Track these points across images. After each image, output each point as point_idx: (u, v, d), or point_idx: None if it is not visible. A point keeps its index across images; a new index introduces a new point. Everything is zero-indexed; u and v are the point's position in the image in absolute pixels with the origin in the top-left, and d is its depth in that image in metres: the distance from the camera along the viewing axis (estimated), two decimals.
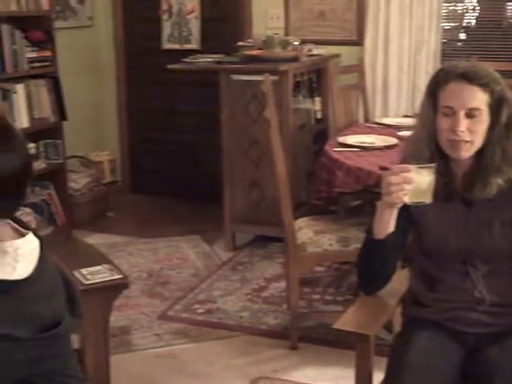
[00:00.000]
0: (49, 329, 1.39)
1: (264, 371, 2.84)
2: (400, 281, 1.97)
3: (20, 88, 4.00)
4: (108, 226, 4.63)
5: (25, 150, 1.42)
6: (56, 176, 4.37)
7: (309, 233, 3.00)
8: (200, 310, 3.41)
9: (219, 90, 4.03)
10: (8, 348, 1.32)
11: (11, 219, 1.45)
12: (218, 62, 4.08)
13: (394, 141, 3.34)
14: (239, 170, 4.07)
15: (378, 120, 4.02)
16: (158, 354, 3.00)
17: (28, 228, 1.48)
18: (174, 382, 2.78)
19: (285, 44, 3.97)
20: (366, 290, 1.97)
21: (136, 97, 5.22)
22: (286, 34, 4.42)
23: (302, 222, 3.09)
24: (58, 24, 4.40)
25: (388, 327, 2.39)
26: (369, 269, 1.89)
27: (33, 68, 4.09)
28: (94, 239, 4.23)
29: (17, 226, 1.48)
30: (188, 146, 5.07)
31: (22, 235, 1.45)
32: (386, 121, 3.90)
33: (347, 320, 1.83)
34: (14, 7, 3.95)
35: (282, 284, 3.58)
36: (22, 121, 3.98)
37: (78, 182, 4.70)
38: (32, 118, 4.11)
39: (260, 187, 4.05)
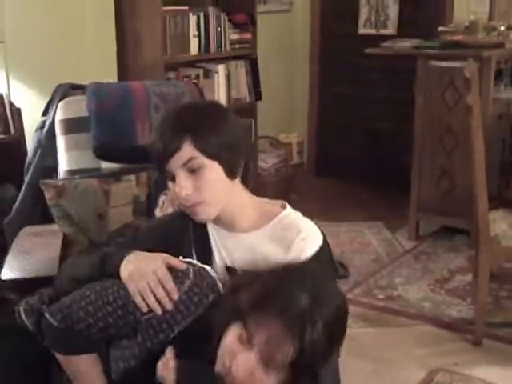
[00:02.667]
0: None
1: (444, 363, 2.77)
2: None
3: (221, 68, 4.19)
4: (291, 206, 4.71)
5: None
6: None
7: (503, 225, 2.87)
8: (380, 296, 3.40)
9: (414, 76, 3.95)
10: None
11: None
12: (417, 48, 3.99)
13: None
14: (430, 159, 3.97)
15: None
16: None
17: None
18: (352, 363, 2.77)
19: (490, 29, 3.80)
20: None
21: (328, 81, 5.26)
22: (490, 19, 4.23)
23: (495, 214, 2.96)
24: (258, 8, 4.53)
25: None
26: None
27: (233, 49, 4.26)
28: None
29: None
30: (377, 133, 5.03)
31: (283, 206, 1.62)
32: None
33: None
34: None
35: (468, 277, 3.47)
36: (221, 100, 4.16)
37: (267, 161, 4.84)
38: (229, 98, 4.29)
39: (450, 177, 3.93)
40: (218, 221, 1.57)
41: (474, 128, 2.76)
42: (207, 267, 1.44)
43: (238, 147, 1.50)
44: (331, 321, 1.30)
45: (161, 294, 1.36)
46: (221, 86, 4.19)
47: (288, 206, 1.62)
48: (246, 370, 1.28)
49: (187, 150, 1.44)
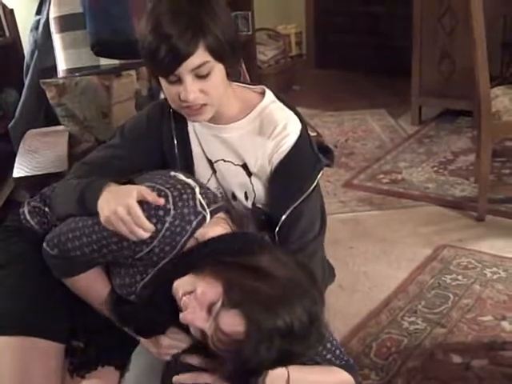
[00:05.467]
0: None
1: (449, 240, 2.84)
2: None
3: None
4: (293, 98, 4.66)
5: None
6: (245, 48, 4.45)
7: (505, 101, 2.86)
8: (385, 180, 3.44)
9: None
10: None
11: None
12: None
13: None
14: (430, 41, 3.92)
15: None
16: (343, 219, 3.08)
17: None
18: (359, 245, 2.87)
19: None
20: None
21: None
22: None
23: (498, 91, 2.95)
24: None
25: None
26: None
27: None
28: None
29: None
30: (375, 18, 4.95)
31: (263, 93, 1.60)
32: None
33: None
34: None
35: (471, 158, 3.51)
36: None
37: (266, 54, 4.80)
38: None
39: (451, 58, 3.89)
40: None
41: (473, 4, 2.70)
42: (187, 179, 1.40)
43: (238, 45, 1.47)
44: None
45: (142, 234, 1.32)
46: None
47: (267, 93, 1.58)
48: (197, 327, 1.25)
49: (200, 55, 1.38)
